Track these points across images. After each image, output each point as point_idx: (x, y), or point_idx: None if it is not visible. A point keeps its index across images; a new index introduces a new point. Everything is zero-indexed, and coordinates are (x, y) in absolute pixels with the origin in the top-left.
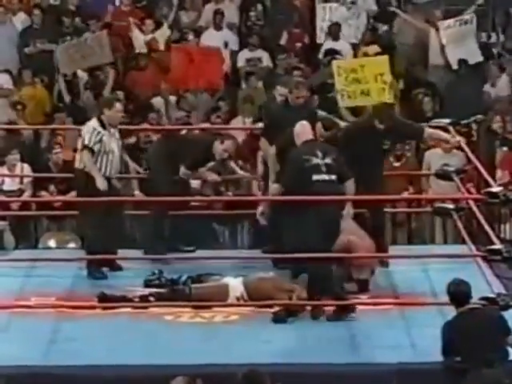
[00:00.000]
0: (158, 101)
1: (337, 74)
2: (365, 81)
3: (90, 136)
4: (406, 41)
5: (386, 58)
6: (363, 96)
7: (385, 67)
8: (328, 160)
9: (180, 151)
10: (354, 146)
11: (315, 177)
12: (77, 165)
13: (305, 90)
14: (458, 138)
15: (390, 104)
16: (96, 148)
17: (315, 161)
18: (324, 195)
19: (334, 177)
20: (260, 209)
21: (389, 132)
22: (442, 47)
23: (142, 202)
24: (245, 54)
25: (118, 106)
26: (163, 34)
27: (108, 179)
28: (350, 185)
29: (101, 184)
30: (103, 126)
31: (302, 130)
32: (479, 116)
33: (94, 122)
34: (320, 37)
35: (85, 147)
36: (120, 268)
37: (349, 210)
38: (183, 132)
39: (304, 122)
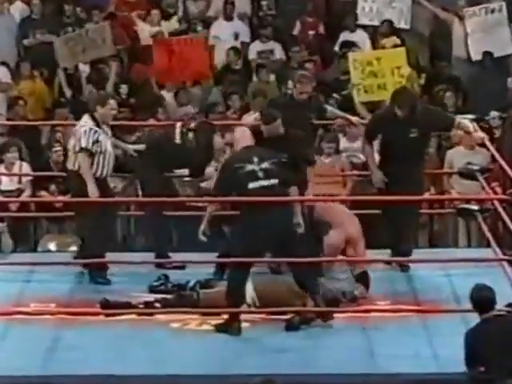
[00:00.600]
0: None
1: (353, 68)
2: (381, 74)
3: (87, 137)
4: (422, 30)
5: (402, 50)
6: (380, 90)
7: (402, 60)
8: (266, 165)
9: (176, 159)
10: (382, 141)
11: (251, 185)
12: (70, 166)
13: (309, 84)
14: (482, 134)
15: (408, 89)
16: (94, 149)
17: (250, 167)
18: (263, 202)
19: (274, 181)
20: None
21: (413, 119)
22: (466, 37)
23: (143, 203)
24: (256, 46)
25: (112, 102)
26: (170, 26)
27: (104, 179)
28: (293, 191)
29: (92, 192)
30: (97, 124)
31: (241, 135)
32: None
33: (88, 121)
34: (361, 18)
35: (82, 149)
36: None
37: (298, 220)
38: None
39: (244, 128)
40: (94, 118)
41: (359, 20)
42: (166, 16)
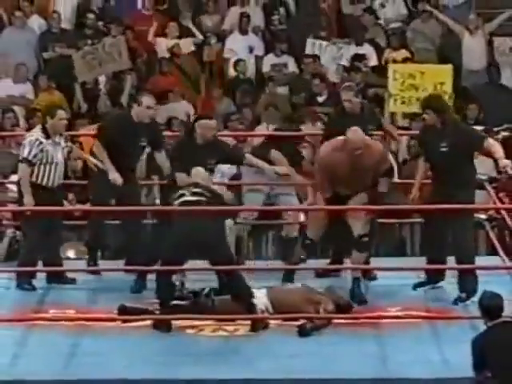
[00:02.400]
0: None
1: (392, 78)
2: (422, 88)
3: (30, 148)
4: (431, 43)
5: (449, 67)
6: (417, 103)
7: (447, 76)
8: (197, 189)
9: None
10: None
11: (176, 202)
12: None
13: (351, 92)
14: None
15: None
16: (36, 160)
17: (182, 191)
18: (186, 213)
19: (202, 198)
20: None
21: (445, 131)
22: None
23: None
24: (270, 60)
25: (61, 113)
26: (187, 44)
27: (51, 189)
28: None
29: (27, 202)
30: (47, 134)
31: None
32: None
33: (36, 132)
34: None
35: (23, 159)
36: (73, 281)
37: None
38: None
39: (199, 168)
40: (44, 129)
41: (307, 51)
42: (183, 31)
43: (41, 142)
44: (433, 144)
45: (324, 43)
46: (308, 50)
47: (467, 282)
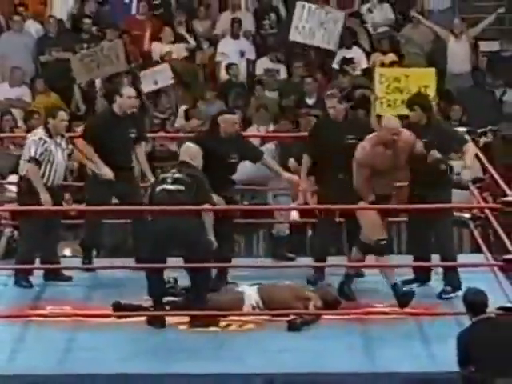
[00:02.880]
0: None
1: (378, 82)
2: (407, 91)
3: (36, 147)
4: (420, 47)
5: (432, 70)
6: (403, 106)
7: (431, 79)
8: (179, 175)
9: None
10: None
11: (158, 188)
12: (20, 173)
13: (334, 100)
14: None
15: (422, 97)
16: (41, 158)
17: (166, 175)
18: (164, 204)
19: (181, 187)
20: None
21: (428, 129)
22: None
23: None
24: (264, 63)
25: (62, 114)
26: (180, 50)
27: (51, 189)
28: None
29: (45, 199)
30: (50, 135)
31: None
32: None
33: (40, 132)
34: (294, 35)
35: (30, 159)
36: (69, 278)
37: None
38: None
39: (190, 144)
40: (46, 129)
41: (291, 37)
42: (177, 36)
43: (45, 141)
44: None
45: (313, 6)
46: (297, 12)
47: (452, 277)
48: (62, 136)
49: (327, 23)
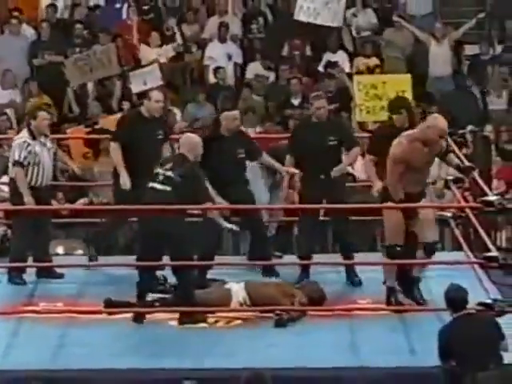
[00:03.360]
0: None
1: (357, 89)
2: (386, 97)
3: (20, 150)
4: (400, 50)
5: (408, 76)
6: (382, 112)
7: (407, 85)
8: (171, 173)
9: None
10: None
11: (150, 184)
12: (10, 175)
13: (323, 100)
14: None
15: (406, 100)
16: (26, 161)
17: (158, 170)
18: (151, 203)
19: (168, 188)
20: None
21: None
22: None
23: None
24: (255, 69)
25: (42, 114)
26: (167, 50)
27: (39, 189)
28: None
29: (28, 202)
30: (33, 136)
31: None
32: (472, 127)
33: (24, 134)
34: (298, 15)
35: (15, 162)
36: (61, 276)
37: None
38: None
39: (190, 135)
40: (30, 131)
41: (296, 16)
42: (166, 40)
43: (29, 144)
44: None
45: None
46: None
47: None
48: (46, 136)
49: (331, 3)
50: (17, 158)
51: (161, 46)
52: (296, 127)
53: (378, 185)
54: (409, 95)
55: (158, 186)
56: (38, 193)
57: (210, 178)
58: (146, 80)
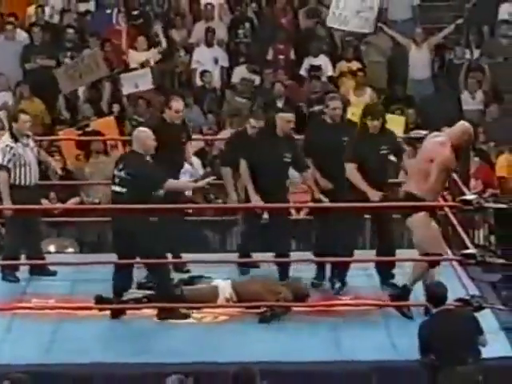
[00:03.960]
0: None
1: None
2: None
3: (3, 155)
4: (382, 55)
5: (402, 118)
6: None
7: (401, 125)
8: (122, 173)
9: None
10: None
11: (112, 187)
12: None
13: (338, 101)
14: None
15: (381, 106)
16: (11, 164)
17: (115, 172)
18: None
19: (123, 189)
20: None
21: (383, 135)
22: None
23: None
24: (241, 73)
25: (23, 117)
26: (155, 56)
27: (28, 188)
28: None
29: (8, 206)
30: (16, 139)
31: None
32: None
33: (6, 138)
34: (330, 22)
35: (0, 167)
36: (54, 273)
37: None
38: None
39: (140, 129)
40: (12, 134)
41: (328, 23)
42: (153, 44)
43: (11, 147)
44: (373, 147)
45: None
46: (335, 1)
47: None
48: (28, 136)
49: (364, 11)
50: (0, 161)
51: (148, 49)
52: (310, 128)
53: (374, 192)
54: (400, 133)
55: (117, 189)
56: (27, 192)
57: (253, 173)
58: (138, 83)
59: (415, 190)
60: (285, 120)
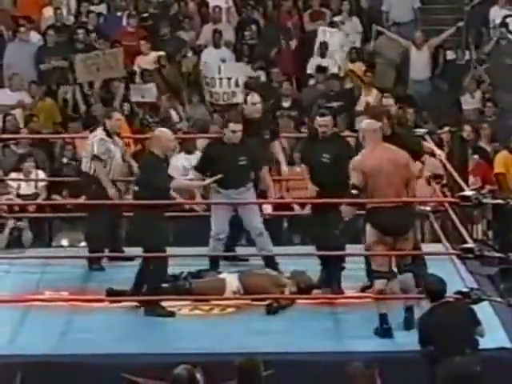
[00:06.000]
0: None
1: None
2: None
3: (98, 146)
4: (391, 58)
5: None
6: None
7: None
8: (137, 173)
9: None
10: None
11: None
12: (84, 168)
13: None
14: (440, 151)
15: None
16: (103, 157)
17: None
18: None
19: (136, 188)
20: None
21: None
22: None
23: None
24: (247, 72)
25: (116, 115)
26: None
27: (112, 183)
28: None
29: (112, 194)
30: (109, 134)
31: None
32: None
33: (100, 132)
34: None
35: (94, 157)
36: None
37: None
38: None
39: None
40: (105, 130)
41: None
42: (163, 46)
43: (105, 141)
44: None
45: (333, 30)
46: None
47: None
48: (119, 135)
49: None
50: (95, 152)
51: (152, 53)
52: (304, 141)
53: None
54: None
55: (135, 188)
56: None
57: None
58: (144, 94)
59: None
60: (322, 125)
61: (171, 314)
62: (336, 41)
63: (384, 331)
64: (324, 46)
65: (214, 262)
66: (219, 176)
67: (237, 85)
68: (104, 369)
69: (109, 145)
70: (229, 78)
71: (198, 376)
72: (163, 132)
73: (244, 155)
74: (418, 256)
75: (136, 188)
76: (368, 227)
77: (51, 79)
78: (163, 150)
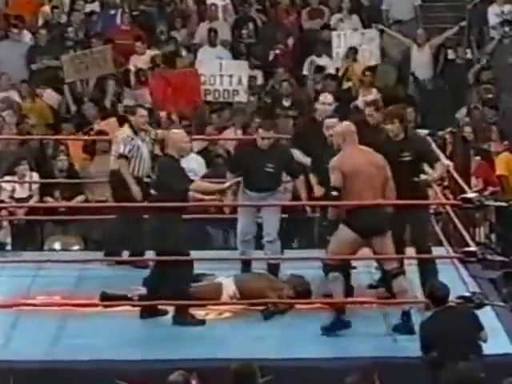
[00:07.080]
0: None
1: None
2: None
3: (124, 144)
4: (392, 56)
5: None
6: None
7: None
8: (154, 176)
9: None
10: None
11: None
12: (113, 166)
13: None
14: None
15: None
16: (130, 154)
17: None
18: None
19: (155, 192)
20: None
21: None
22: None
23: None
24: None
25: (140, 111)
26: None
27: (139, 180)
28: None
29: (136, 194)
30: (135, 132)
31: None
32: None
33: (127, 130)
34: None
35: (120, 156)
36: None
37: None
38: None
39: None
40: (131, 126)
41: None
42: (159, 45)
43: (132, 139)
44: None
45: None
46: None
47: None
48: (145, 131)
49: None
50: (121, 151)
51: (146, 52)
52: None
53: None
54: None
55: (152, 191)
56: (139, 184)
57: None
58: (138, 100)
59: None
60: (330, 127)
61: (202, 323)
62: (355, 41)
63: (405, 328)
64: (322, 44)
65: (245, 264)
66: (236, 180)
67: (239, 83)
68: (98, 375)
69: (136, 141)
70: (230, 76)
71: (194, 382)
72: (178, 133)
73: (272, 162)
74: (429, 261)
75: (153, 191)
76: (343, 228)
77: (43, 79)
78: (178, 152)
